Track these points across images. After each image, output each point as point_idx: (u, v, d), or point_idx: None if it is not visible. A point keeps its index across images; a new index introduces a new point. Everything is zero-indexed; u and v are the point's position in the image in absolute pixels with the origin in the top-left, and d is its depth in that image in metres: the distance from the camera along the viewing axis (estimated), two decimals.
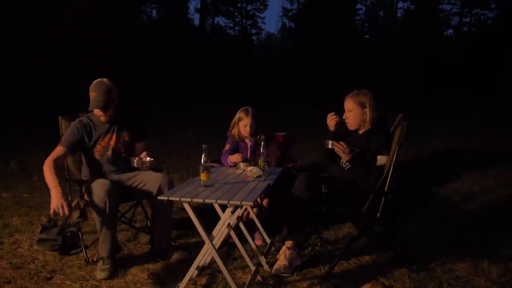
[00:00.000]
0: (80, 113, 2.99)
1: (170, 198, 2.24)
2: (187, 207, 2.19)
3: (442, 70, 23.21)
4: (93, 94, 2.71)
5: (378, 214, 2.60)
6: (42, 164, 2.59)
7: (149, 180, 2.78)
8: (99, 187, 2.54)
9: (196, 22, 32.61)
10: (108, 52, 13.32)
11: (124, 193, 2.75)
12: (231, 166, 3.10)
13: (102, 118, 2.81)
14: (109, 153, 2.83)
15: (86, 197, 2.74)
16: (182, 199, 2.17)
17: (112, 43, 13.35)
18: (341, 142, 2.70)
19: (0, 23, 11.45)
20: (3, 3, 11.29)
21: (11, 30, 11.41)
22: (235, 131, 3.29)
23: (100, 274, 2.54)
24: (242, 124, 3.24)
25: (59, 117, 3.03)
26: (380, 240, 2.89)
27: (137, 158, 2.69)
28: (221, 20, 34.24)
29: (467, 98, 18.14)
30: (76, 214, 2.61)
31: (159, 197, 2.29)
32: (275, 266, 2.59)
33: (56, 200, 2.41)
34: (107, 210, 2.52)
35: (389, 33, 28.20)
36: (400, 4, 31.90)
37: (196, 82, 23.58)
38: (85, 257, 2.74)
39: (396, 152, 2.58)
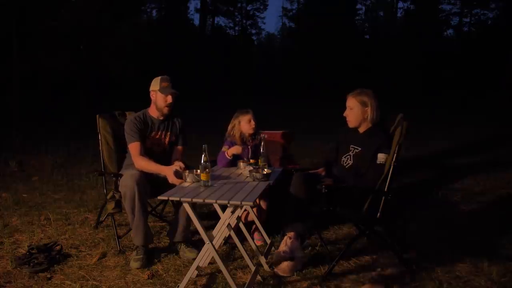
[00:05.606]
0: (116, 111, 3.20)
1: (171, 198, 2.24)
2: (187, 207, 2.20)
3: (442, 70, 23.19)
4: (165, 84, 2.91)
5: (378, 214, 2.60)
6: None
7: None
8: (128, 177, 2.64)
9: (196, 22, 32.63)
10: (108, 52, 13.29)
11: (156, 188, 2.77)
12: (227, 162, 3.04)
13: (159, 115, 2.96)
14: (156, 148, 2.96)
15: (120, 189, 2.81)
16: (182, 199, 2.17)
17: (112, 43, 13.33)
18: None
19: (0, 23, 11.44)
20: (4, 2, 11.26)
21: (11, 30, 11.40)
22: (235, 134, 3.18)
23: (133, 264, 2.66)
24: (245, 121, 3.14)
25: (97, 116, 3.15)
26: (380, 240, 2.90)
27: (190, 174, 2.52)
28: (221, 20, 34.30)
29: (467, 98, 18.14)
30: (111, 206, 2.74)
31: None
32: (275, 251, 2.63)
33: (172, 178, 2.60)
34: (137, 199, 2.62)
35: (389, 33, 28.20)
36: (400, 4, 31.81)
37: (196, 82, 23.56)
38: (119, 248, 2.90)
39: (396, 152, 2.58)
